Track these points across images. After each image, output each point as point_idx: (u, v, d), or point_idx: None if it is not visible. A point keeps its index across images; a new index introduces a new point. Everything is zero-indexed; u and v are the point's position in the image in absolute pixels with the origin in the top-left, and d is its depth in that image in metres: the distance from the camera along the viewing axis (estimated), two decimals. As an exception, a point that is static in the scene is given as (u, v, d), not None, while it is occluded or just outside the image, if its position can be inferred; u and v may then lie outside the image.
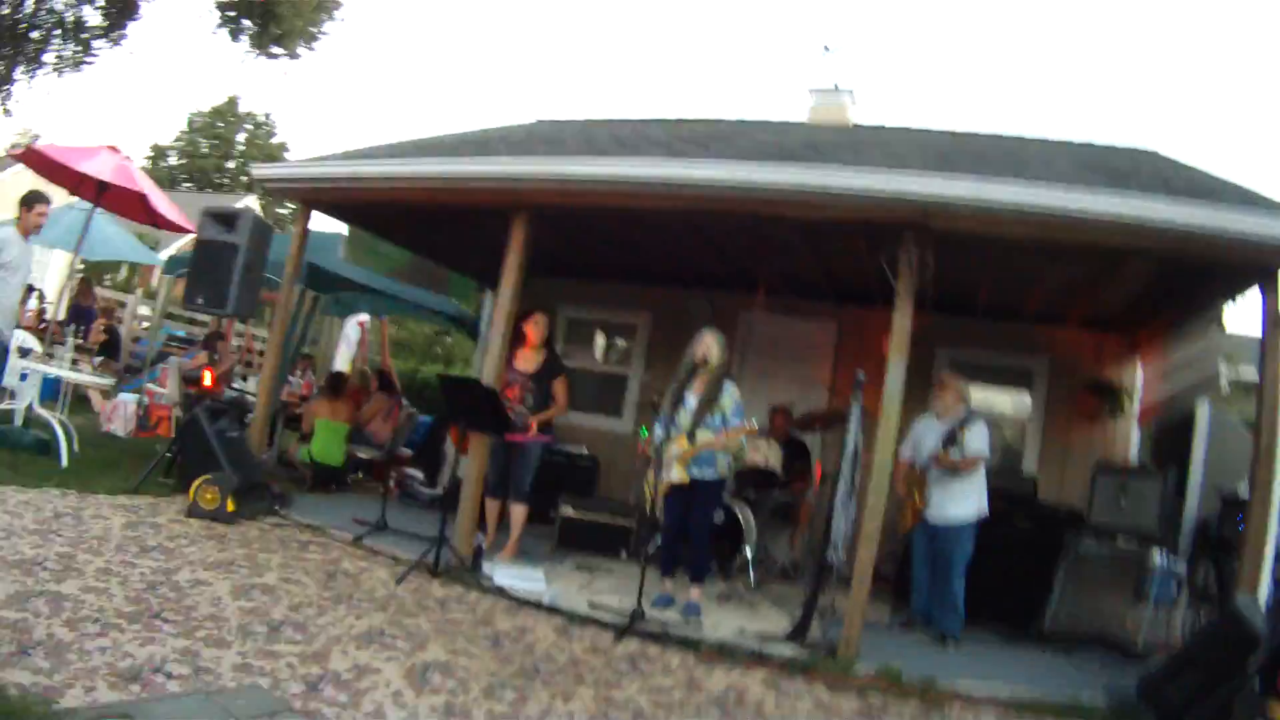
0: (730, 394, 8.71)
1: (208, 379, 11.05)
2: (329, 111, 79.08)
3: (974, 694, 7.32)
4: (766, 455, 10.92)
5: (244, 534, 8.85)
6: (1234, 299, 9.53)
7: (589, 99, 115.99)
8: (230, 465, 9.58)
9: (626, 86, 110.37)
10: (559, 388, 10.00)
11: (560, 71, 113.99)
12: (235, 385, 14.73)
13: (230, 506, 9.18)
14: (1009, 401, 13.91)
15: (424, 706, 5.33)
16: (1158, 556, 10.34)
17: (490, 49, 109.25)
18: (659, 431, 8.67)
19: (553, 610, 8.12)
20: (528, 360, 9.96)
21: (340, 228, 13.20)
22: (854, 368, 8.85)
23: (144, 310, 22.03)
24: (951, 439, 9.27)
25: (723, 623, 8.48)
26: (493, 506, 9.99)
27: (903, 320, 8.30)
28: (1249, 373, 9.56)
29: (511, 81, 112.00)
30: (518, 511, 9.92)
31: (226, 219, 10.22)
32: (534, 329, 9.98)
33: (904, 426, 9.34)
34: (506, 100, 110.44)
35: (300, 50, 27.21)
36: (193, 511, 9.03)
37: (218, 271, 9.99)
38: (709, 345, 8.72)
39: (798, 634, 8.14)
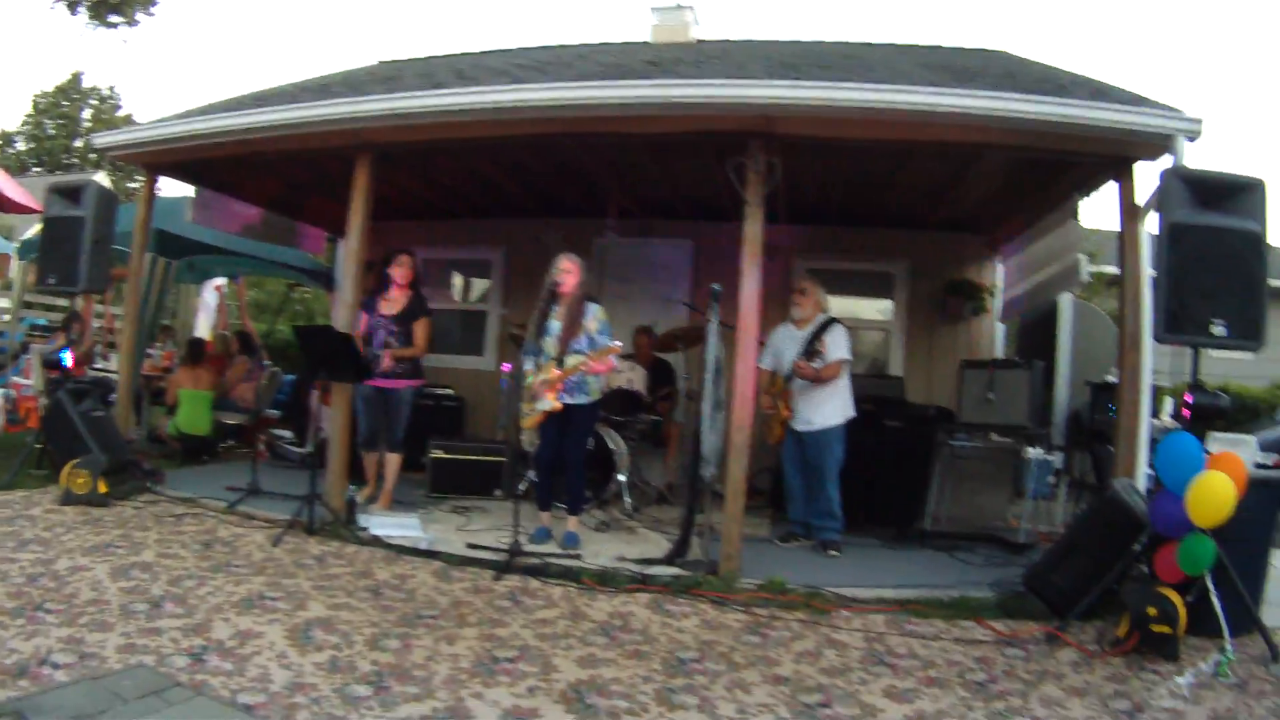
0: (594, 314, 8.66)
1: (68, 361, 10.85)
2: (175, 78, 77.31)
3: (861, 598, 7.39)
4: (630, 378, 10.93)
5: (119, 514, 8.69)
6: (1089, 194, 9.62)
7: (435, 39, 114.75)
8: (98, 447, 9.36)
9: (472, 22, 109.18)
10: (418, 329, 9.85)
11: (407, 14, 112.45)
12: (99, 365, 14.51)
13: (103, 488, 9.00)
14: (872, 307, 14.10)
15: (309, 665, 5.23)
16: (1033, 449, 10.54)
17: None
18: (527, 361, 8.66)
19: (431, 555, 8.08)
20: (393, 303, 9.81)
21: (188, 191, 12.98)
22: (711, 283, 8.82)
23: (2, 303, 21.50)
24: (811, 348, 9.32)
25: (602, 551, 8.50)
26: (370, 459, 9.96)
27: (753, 229, 8.26)
28: (1109, 268, 9.73)
29: (358, 29, 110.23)
30: (392, 460, 9.84)
31: (71, 192, 9.97)
32: (399, 270, 9.80)
33: (764, 337, 9.45)
34: (355, 49, 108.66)
35: (139, 17, 26.64)
36: (66, 499, 8.84)
37: (66, 248, 9.76)
38: (566, 268, 8.65)
39: (677, 555, 8.18)
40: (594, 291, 9.45)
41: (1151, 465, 8.38)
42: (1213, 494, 6.18)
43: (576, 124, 8.66)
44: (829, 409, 9.37)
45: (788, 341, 9.68)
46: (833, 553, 9.16)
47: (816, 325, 9.52)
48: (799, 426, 9.45)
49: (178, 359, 13.88)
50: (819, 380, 9.29)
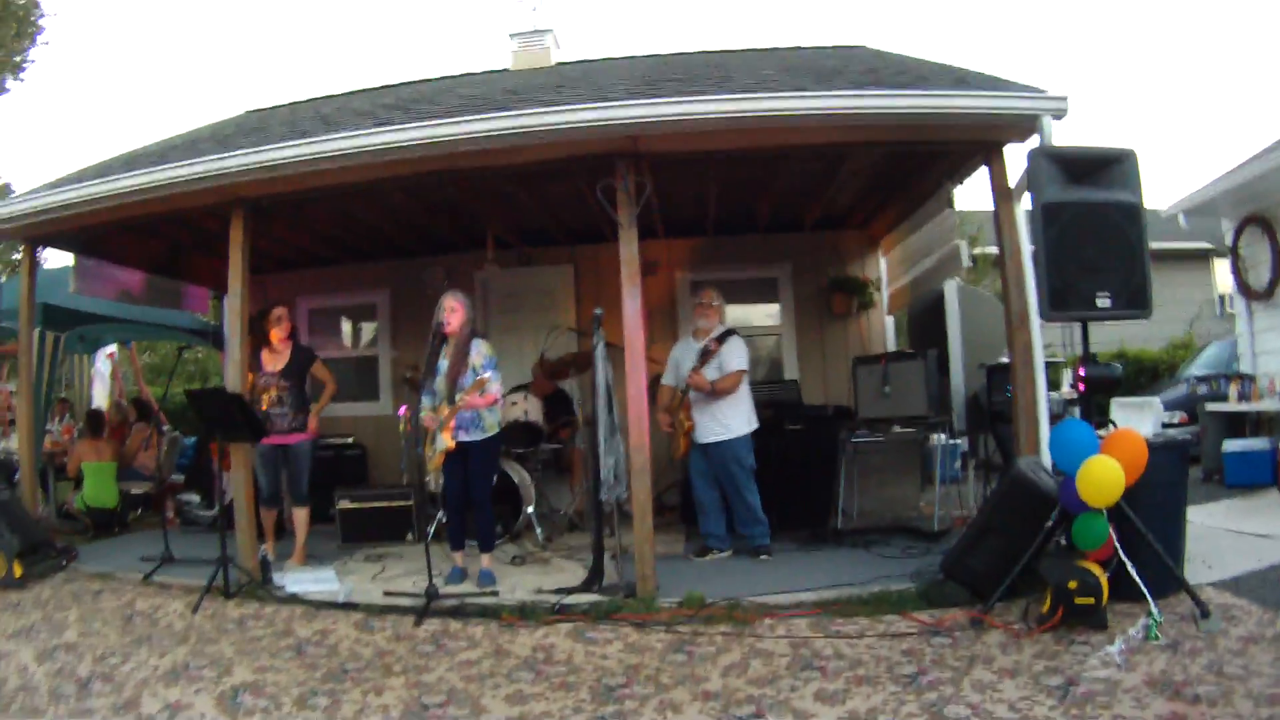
0: (479, 350, 8.63)
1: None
2: (54, 141, 76.06)
3: (782, 604, 7.38)
4: (526, 409, 10.88)
5: (37, 596, 8.60)
6: (962, 181, 9.75)
7: (303, 79, 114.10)
8: (8, 529, 9.23)
9: (338, 62, 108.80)
10: (320, 371, 9.90)
11: (273, 56, 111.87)
12: (0, 447, 14.30)
13: (18, 571, 8.92)
14: (761, 312, 14.18)
15: (241, 731, 5.27)
16: (936, 437, 10.65)
17: (199, 46, 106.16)
18: (424, 402, 8.63)
19: (350, 607, 8.02)
20: (276, 359, 9.74)
21: (69, 260, 12.78)
22: (595, 306, 8.85)
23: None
24: (705, 358, 9.34)
25: (519, 585, 8.47)
26: (268, 517, 9.79)
27: (629, 250, 8.28)
28: (992, 249, 9.87)
29: (227, 73, 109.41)
30: (300, 515, 9.75)
31: (-50, 275, 9.90)
32: (276, 326, 9.74)
33: (653, 354, 9.49)
34: (226, 91, 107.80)
35: (8, 83, 26.34)
36: (-17, 585, 8.73)
37: (-48, 331, 9.67)
38: (450, 307, 8.62)
39: (594, 581, 8.17)
40: (481, 325, 9.45)
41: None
42: (1099, 478, 6.32)
43: (444, 161, 8.64)
44: (732, 420, 9.38)
45: (687, 355, 9.70)
46: (764, 557, 9.23)
47: (715, 337, 9.53)
48: (704, 439, 9.45)
49: (77, 432, 13.69)
50: (715, 393, 9.31)
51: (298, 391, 9.71)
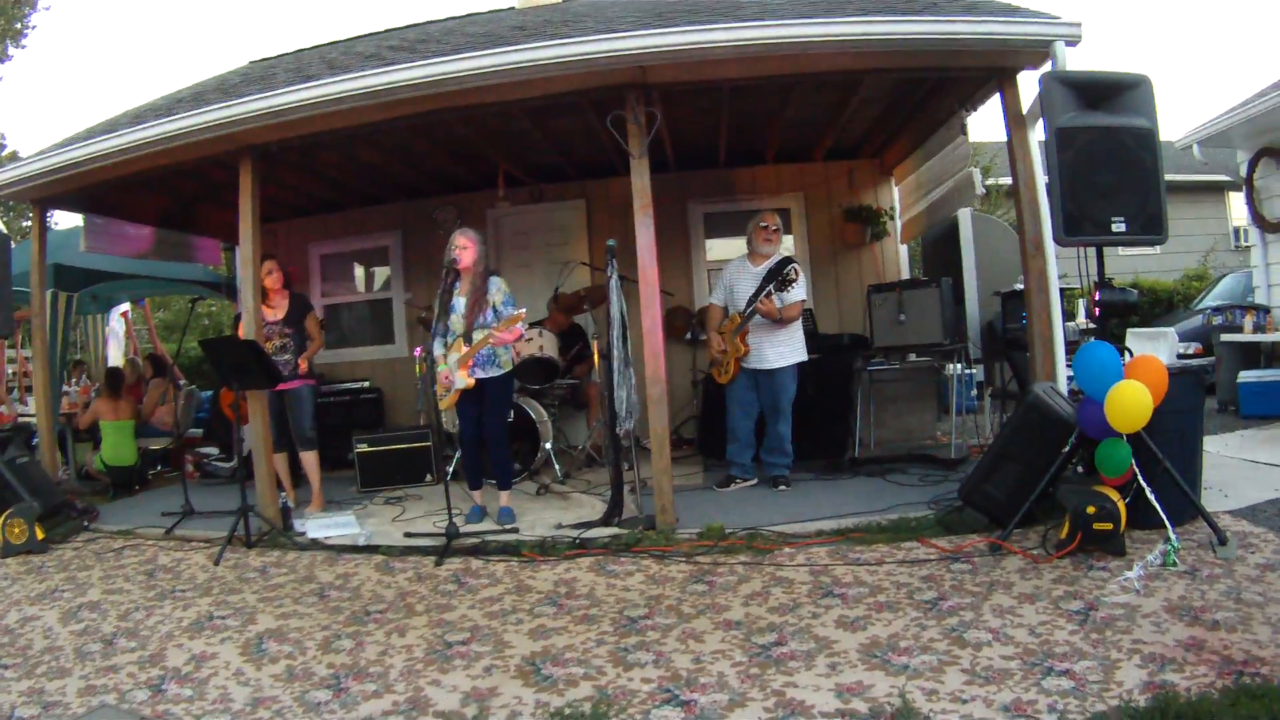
0: (498, 287, 8.64)
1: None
2: (59, 108, 75.66)
3: (801, 533, 7.44)
4: (541, 345, 10.85)
5: (60, 558, 8.56)
6: (975, 108, 9.67)
7: (306, 29, 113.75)
8: (29, 493, 9.23)
9: (341, 10, 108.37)
10: (310, 324, 9.89)
11: (276, 6, 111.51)
12: (20, 412, 14.32)
13: (40, 535, 8.89)
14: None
15: (266, 678, 5.18)
16: (952, 365, 10.63)
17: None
18: (436, 344, 8.63)
19: (371, 549, 8.07)
20: (275, 309, 9.76)
21: (79, 221, 12.73)
22: (608, 240, 8.81)
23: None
24: (782, 285, 9.22)
25: (539, 521, 8.53)
26: (280, 462, 9.80)
27: (641, 181, 8.21)
28: (1006, 180, 9.82)
29: (231, 26, 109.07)
30: (309, 459, 9.81)
31: (-39, 241, 9.86)
32: (269, 278, 9.73)
33: (665, 286, 9.47)
34: (230, 44, 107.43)
35: (10, 51, 26.30)
36: (6, 550, 8.65)
37: (-35, 297, 9.66)
38: (461, 245, 8.60)
39: (613, 515, 8.21)
40: (493, 262, 9.43)
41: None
42: (1130, 402, 6.26)
43: (452, 98, 8.59)
44: (787, 348, 9.38)
45: (743, 278, 9.61)
46: (782, 488, 9.26)
47: (774, 263, 9.43)
48: (756, 365, 9.42)
49: (94, 392, 13.71)
50: (781, 321, 9.26)
51: (299, 338, 9.76)
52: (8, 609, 6.99)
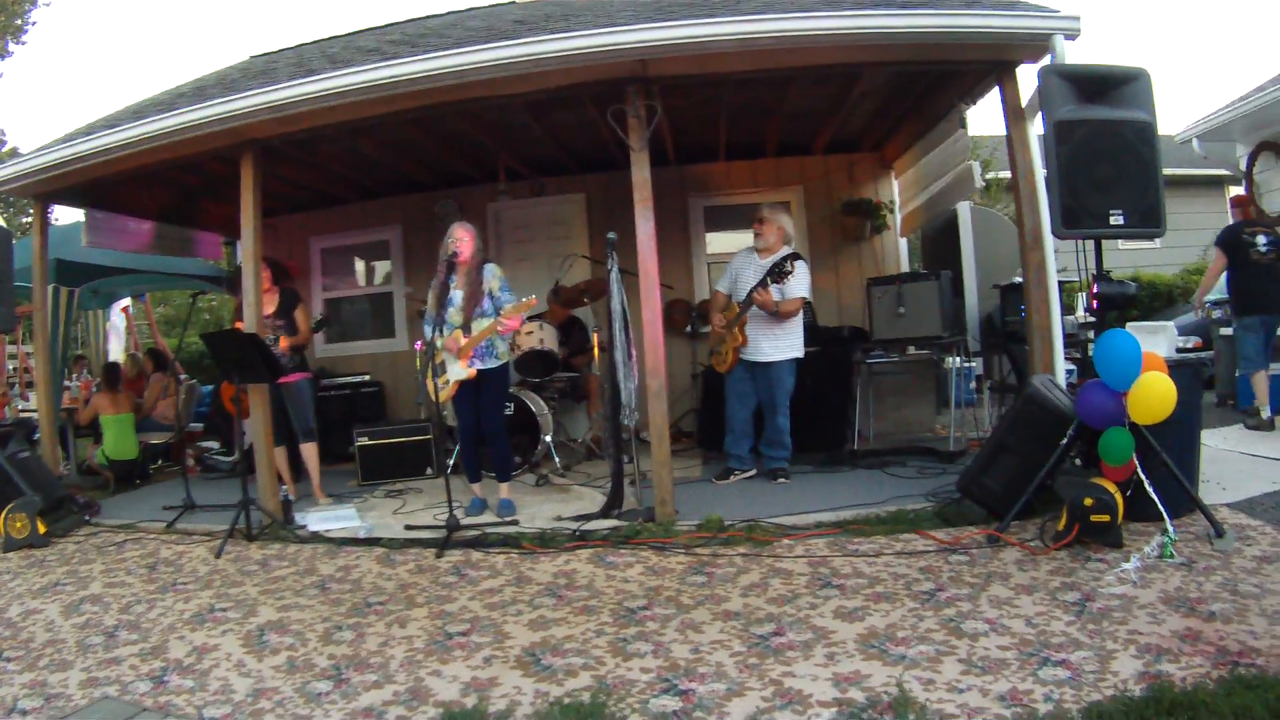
0: (494, 274, 8.66)
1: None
2: (60, 104, 75.53)
3: (800, 525, 7.45)
4: (541, 337, 10.88)
5: (62, 552, 8.60)
6: (974, 101, 9.70)
7: (307, 24, 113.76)
8: (31, 488, 9.24)
9: (341, 5, 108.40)
10: (299, 316, 9.92)
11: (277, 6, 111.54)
12: (21, 407, 14.36)
13: (42, 529, 8.90)
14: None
15: (267, 669, 5.21)
16: (951, 358, 10.65)
17: None
18: (429, 333, 8.59)
19: (372, 542, 8.10)
20: (267, 304, 9.77)
21: (79, 216, 12.76)
22: (608, 233, 8.84)
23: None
24: (778, 278, 9.24)
25: (539, 513, 8.54)
26: (280, 455, 9.81)
27: (641, 174, 8.23)
28: (1006, 174, 9.85)
29: (231, 21, 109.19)
30: (309, 451, 9.86)
31: (-37, 237, 9.88)
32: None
33: (665, 280, 9.50)
34: (230, 40, 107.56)
35: (11, 47, 26.31)
36: (8, 545, 8.69)
37: (-34, 292, 9.68)
38: (459, 238, 8.62)
39: (613, 507, 8.24)
40: (494, 255, 9.45)
41: (1074, 359, 8.51)
42: (1154, 395, 6.29)
43: (453, 92, 8.61)
44: (783, 343, 9.42)
45: (748, 268, 9.65)
46: (781, 480, 9.29)
47: (780, 256, 9.42)
48: (755, 357, 9.47)
49: (95, 387, 13.74)
50: (778, 315, 9.29)
51: (290, 330, 9.79)
52: (10, 602, 7.01)
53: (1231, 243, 11.10)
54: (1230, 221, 12.13)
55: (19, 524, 8.77)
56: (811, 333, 10.30)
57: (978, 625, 5.01)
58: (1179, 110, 57.79)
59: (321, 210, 14.72)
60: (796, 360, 9.50)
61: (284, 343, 9.63)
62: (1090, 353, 7.06)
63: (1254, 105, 12.58)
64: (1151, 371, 6.39)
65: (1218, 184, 25.20)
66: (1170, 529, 6.08)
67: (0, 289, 9.81)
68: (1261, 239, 10.97)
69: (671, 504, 7.97)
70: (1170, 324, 9.76)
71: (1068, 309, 10.24)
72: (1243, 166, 13.83)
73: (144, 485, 12.30)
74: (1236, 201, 12.37)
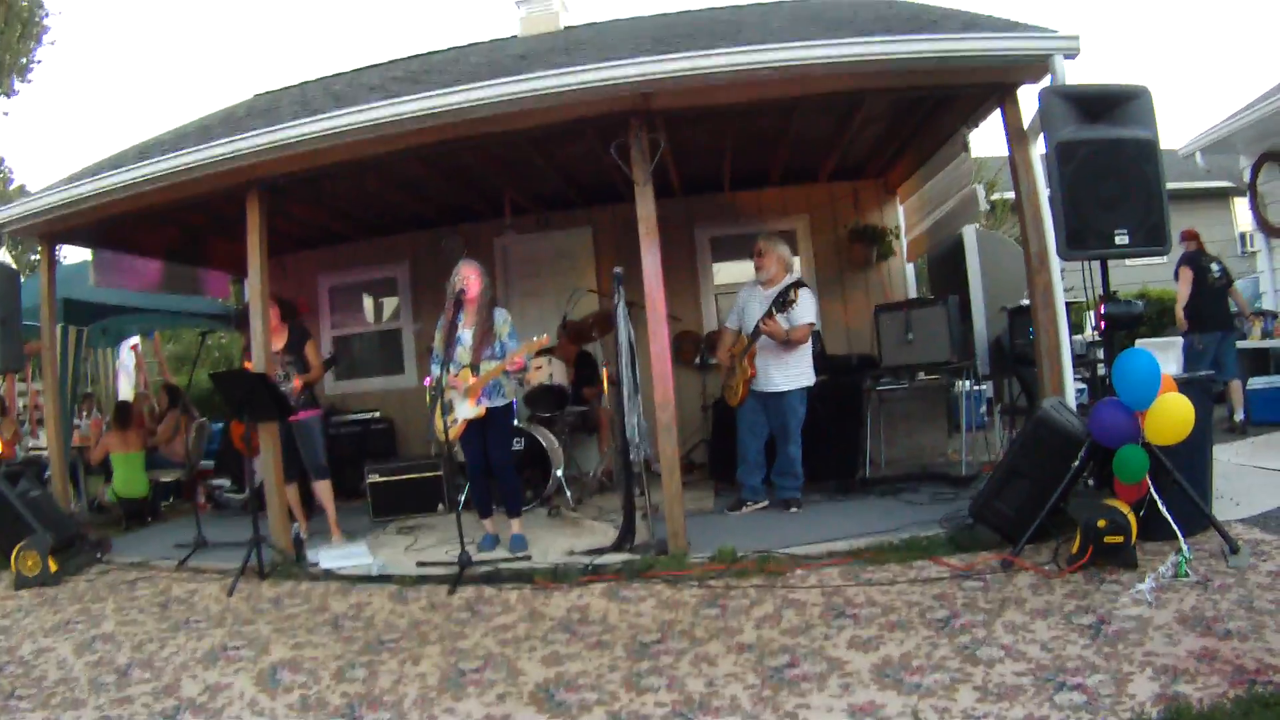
0: (504, 319, 8.69)
1: (-3, 446, 10.70)
2: (65, 142, 75.73)
3: (813, 554, 7.41)
4: (550, 372, 10.88)
5: (73, 590, 8.57)
6: (977, 124, 9.71)
7: (308, 62, 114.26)
8: (42, 526, 9.21)
9: (342, 43, 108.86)
10: (310, 351, 9.89)
11: (278, 40, 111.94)
12: (31, 444, 14.37)
13: (53, 567, 8.86)
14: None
15: (280, 707, 5.22)
16: (961, 383, 10.64)
17: (204, 35, 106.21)
18: (436, 371, 8.57)
19: (384, 579, 8.05)
20: (276, 340, 9.76)
21: (87, 255, 12.78)
22: (614, 266, 8.86)
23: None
24: (783, 306, 9.22)
25: (551, 548, 8.51)
26: (291, 492, 9.75)
27: (646, 208, 8.26)
28: (1010, 194, 9.88)
29: (234, 60, 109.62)
30: (323, 489, 9.79)
31: (-31, 276, 9.90)
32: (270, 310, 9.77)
33: (672, 311, 9.48)
34: (233, 78, 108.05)
35: (16, 85, 26.39)
36: (19, 583, 8.69)
37: (-25, 332, 9.70)
38: (466, 276, 8.59)
39: (625, 540, 8.22)
40: (502, 290, 9.46)
41: (1083, 379, 8.49)
42: (1172, 417, 6.29)
43: (456, 129, 8.62)
44: (794, 371, 9.39)
45: (754, 300, 9.64)
46: (794, 509, 9.26)
47: (785, 285, 9.41)
48: (766, 388, 9.44)
49: (105, 425, 13.74)
50: (787, 343, 9.28)
51: (300, 366, 9.76)
52: (22, 640, 7.02)
53: (1194, 265, 11.62)
54: (1187, 250, 12.24)
55: (30, 562, 8.76)
56: (820, 361, 10.26)
57: (993, 651, 4.99)
58: (1181, 124, 57.93)
59: (328, 248, 14.70)
60: (807, 389, 9.46)
61: (297, 382, 9.60)
62: (1099, 372, 7.05)
63: (1256, 116, 12.59)
64: (1170, 393, 6.37)
65: (1222, 196, 25.19)
66: (1184, 547, 6.08)
67: (7, 328, 9.83)
68: (1214, 265, 11.68)
69: (684, 536, 7.94)
70: (1179, 339, 9.74)
71: (1076, 328, 10.23)
72: (1246, 178, 13.83)
73: (155, 523, 12.26)
74: (1188, 235, 12.40)
